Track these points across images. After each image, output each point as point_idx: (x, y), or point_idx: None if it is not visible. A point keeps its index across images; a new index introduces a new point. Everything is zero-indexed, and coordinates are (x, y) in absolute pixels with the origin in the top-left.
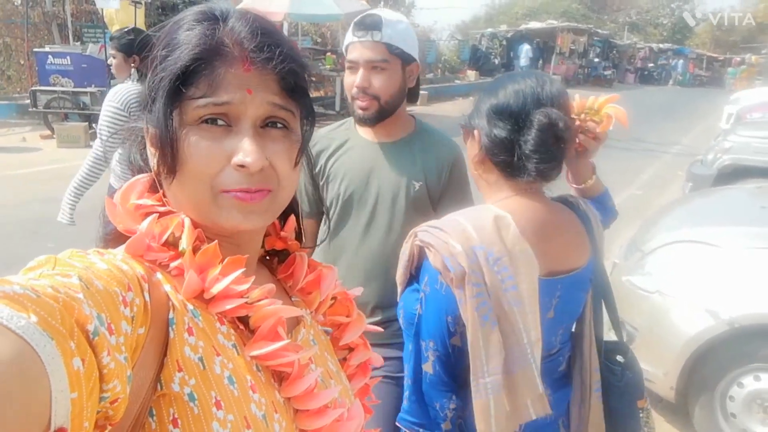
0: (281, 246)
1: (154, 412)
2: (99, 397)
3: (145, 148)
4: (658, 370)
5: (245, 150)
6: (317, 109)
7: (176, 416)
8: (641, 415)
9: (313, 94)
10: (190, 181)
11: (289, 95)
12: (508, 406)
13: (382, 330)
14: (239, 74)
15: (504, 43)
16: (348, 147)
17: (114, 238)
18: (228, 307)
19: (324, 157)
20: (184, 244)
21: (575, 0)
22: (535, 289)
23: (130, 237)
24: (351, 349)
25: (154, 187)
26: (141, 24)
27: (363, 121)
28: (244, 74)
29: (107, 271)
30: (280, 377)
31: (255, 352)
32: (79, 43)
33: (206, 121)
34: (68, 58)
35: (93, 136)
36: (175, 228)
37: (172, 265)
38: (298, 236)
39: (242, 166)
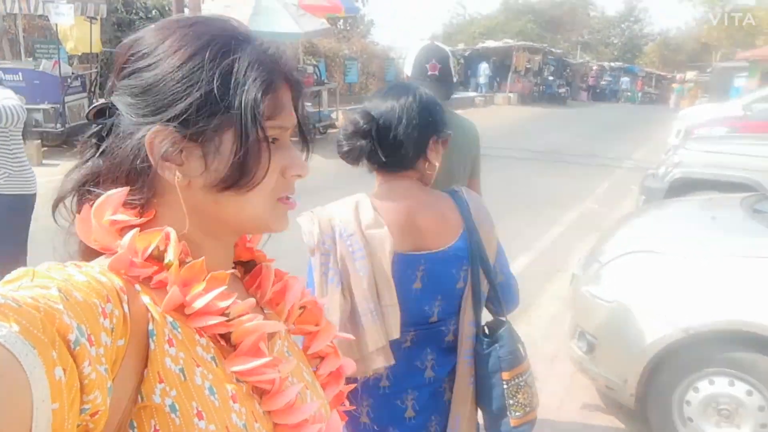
0: (248, 257)
1: (135, 425)
2: (80, 409)
3: (144, 160)
4: (619, 378)
5: (301, 164)
6: None
7: (158, 428)
8: (505, 386)
9: None
10: (259, 194)
11: (297, 108)
12: (356, 354)
13: (353, 338)
14: (286, 93)
15: (461, 61)
16: None
17: (83, 256)
18: (207, 323)
19: None
20: (171, 256)
21: (530, 20)
22: (388, 262)
23: (100, 253)
24: (322, 358)
25: (129, 203)
26: (96, 41)
27: None
28: (287, 92)
29: (86, 283)
30: (260, 390)
31: (236, 368)
32: (31, 59)
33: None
34: (20, 74)
35: (45, 155)
36: (159, 242)
37: (156, 278)
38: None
39: (300, 176)
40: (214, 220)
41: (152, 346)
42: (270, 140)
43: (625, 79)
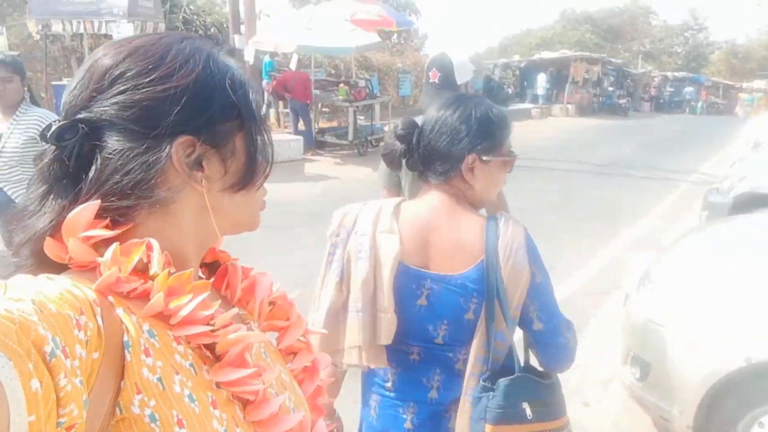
0: (210, 258)
1: None
2: (56, 422)
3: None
4: (672, 407)
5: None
6: (331, 139)
7: None
8: None
9: (327, 124)
10: (257, 193)
11: None
12: (334, 346)
13: (326, 332)
14: None
15: (517, 72)
16: None
17: (36, 269)
18: (193, 332)
19: None
20: (156, 267)
21: (588, 30)
22: (389, 268)
23: (57, 264)
24: (294, 354)
25: (100, 216)
26: None
27: None
28: None
29: (59, 295)
30: (242, 399)
31: (221, 379)
32: None
33: None
34: None
35: None
36: (142, 254)
37: (139, 289)
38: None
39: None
40: (210, 224)
41: (128, 357)
42: None
43: (689, 89)
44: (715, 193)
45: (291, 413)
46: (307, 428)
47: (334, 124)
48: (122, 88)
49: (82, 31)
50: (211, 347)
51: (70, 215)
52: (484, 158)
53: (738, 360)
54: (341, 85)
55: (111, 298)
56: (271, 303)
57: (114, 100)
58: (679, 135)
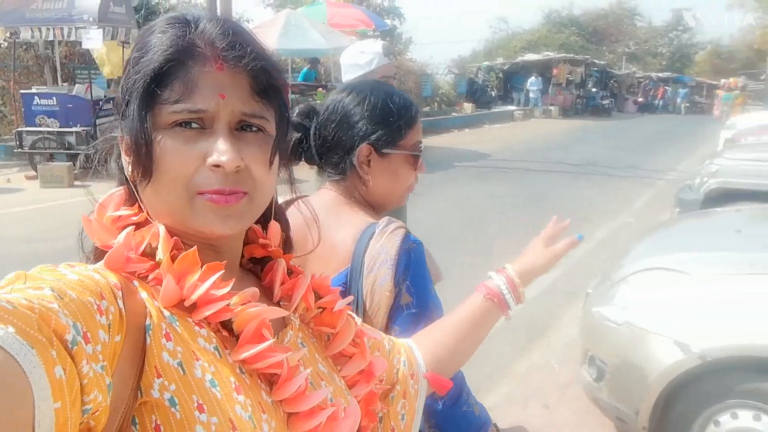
0: (261, 253)
1: (137, 421)
2: (81, 410)
3: (120, 157)
4: (630, 409)
5: (220, 150)
6: None
7: (158, 422)
8: None
9: None
10: (166, 185)
11: (261, 95)
12: None
13: (382, 336)
14: (212, 74)
15: (500, 75)
16: None
17: (96, 256)
18: (209, 312)
19: None
20: (161, 254)
21: (574, 32)
22: None
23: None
24: (349, 358)
25: (129, 200)
26: None
27: None
28: (216, 73)
29: (79, 282)
30: (269, 381)
31: (242, 355)
32: (66, 83)
33: (180, 124)
34: (54, 98)
35: (77, 176)
36: (151, 238)
37: (151, 275)
38: (287, 244)
39: (217, 165)
40: (160, 216)
41: (148, 340)
42: (178, 124)
43: (671, 89)
44: (687, 190)
45: (319, 389)
46: (338, 406)
47: None
48: None
49: (51, 38)
50: (230, 328)
51: (102, 198)
52: (383, 151)
53: (693, 358)
54: (320, 89)
55: (136, 283)
56: (320, 307)
57: None
58: (660, 135)
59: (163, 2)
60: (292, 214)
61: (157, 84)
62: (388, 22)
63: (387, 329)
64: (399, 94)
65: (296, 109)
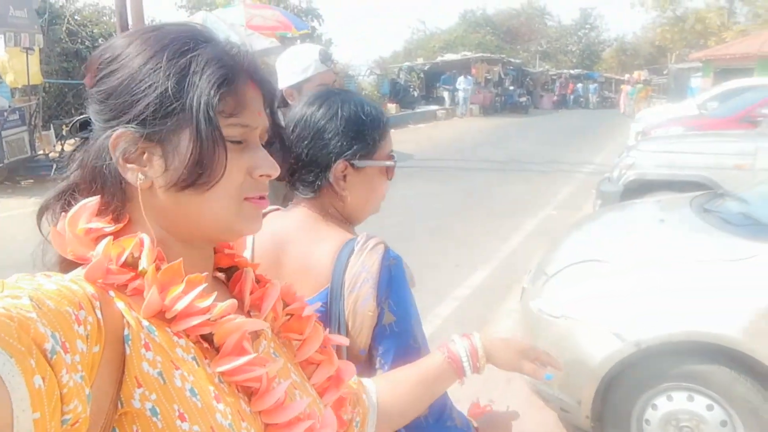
0: (227, 263)
1: (117, 431)
2: (60, 420)
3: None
4: (573, 399)
5: (269, 163)
6: None
7: None
8: None
9: None
10: (221, 193)
11: (270, 112)
12: None
13: (347, 342)
14: (251, 92)
15: (422, 75)
16: None
17: (62, 268)
18: (191, 324)
19: None
20: (145, 263)
21: (489, 32)
22: None
23: (77, 264)
24: (316, 365)
25: (102, 211)
26: (35, 72)
27: None
28: (254, 91)
29: (57, 291)
30: (247, 391)
31: (222, 368)
32: None
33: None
34: None
35: None
36: (133, 248)
37: (131, 285)
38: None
39: (268, 176)
40: (180, 223)
41: (128, 351)
42: (231, 139)
43: (592, 87)
44: (606, 182)
45: (297, 400)
46: (315, 417)
47: None
48: (94, 81)
49: None
50: (210, 339)
51: (72, 209)
52: (357, 164)
53: (628, 346)
54: None
55: (112, 293)
56: (288, 314)
57: (90, 92)
58: (575, 129)
59: (68, 5)
60: (263, 233)
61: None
62: (308, 23)
63: (370, 349)
64: (369, 104)
65: None
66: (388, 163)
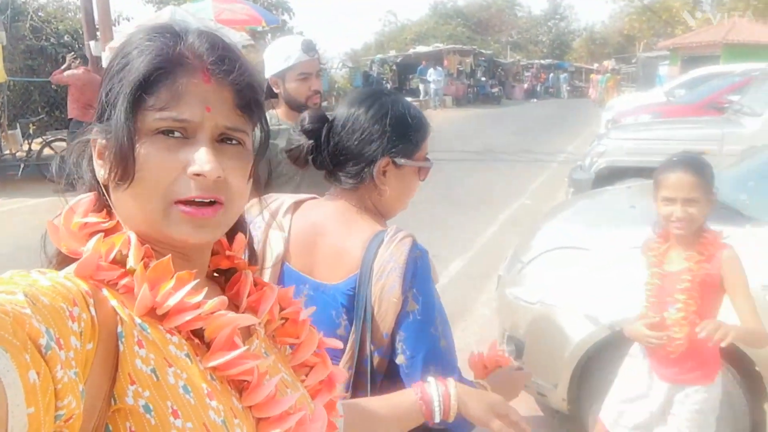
0: (227, 265)
1: (110, 428)
2: (54, 415)
3: (91, 161)
4: (549, 383)
5: (202, 160)
6: None
7: (133, 429)
8: None
9: None
10: (144, 190)
11: (244, 110)
12: None
13: (340, 345)
14: (199, 86)
15: (394, 68)
16: (286, 131)
17: (59, 261)
18: (182, 320)
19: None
20: (132, 261)
21: (460, 23)
22: (273, 263)
23: (75, 259)
24: (310, 368)
25: (98, 206)
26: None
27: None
28: (203, 86)
29: (51, 288)
30: (238, 387)
31: (213, 363)
32: None
33: (163, 132)
34: None
35: None
36: (121, 245)
37: (121, 283)
38: (252, 256)
39: (199, 174)
40: (132, 223)
41: (121, 348)
42: (161, 132)
43: (553, 76)
44: (578, 170)
45: (288, 395)
46: (305, 409)
47: None
48: None
49: None
50: (201, 335)
51: (69, 204)
52: (399, 162)
53: (603, 329)
54: None
55: (105, 291)
56: (284, 318)
57: None
58: (548, 119)
59: (31, 2)
60: (301, 218)
61: (144, 90)
62: (278, 17)
63: (393, 333)
64: (414, 108)
65: (306, 116)
66: (426, 163)
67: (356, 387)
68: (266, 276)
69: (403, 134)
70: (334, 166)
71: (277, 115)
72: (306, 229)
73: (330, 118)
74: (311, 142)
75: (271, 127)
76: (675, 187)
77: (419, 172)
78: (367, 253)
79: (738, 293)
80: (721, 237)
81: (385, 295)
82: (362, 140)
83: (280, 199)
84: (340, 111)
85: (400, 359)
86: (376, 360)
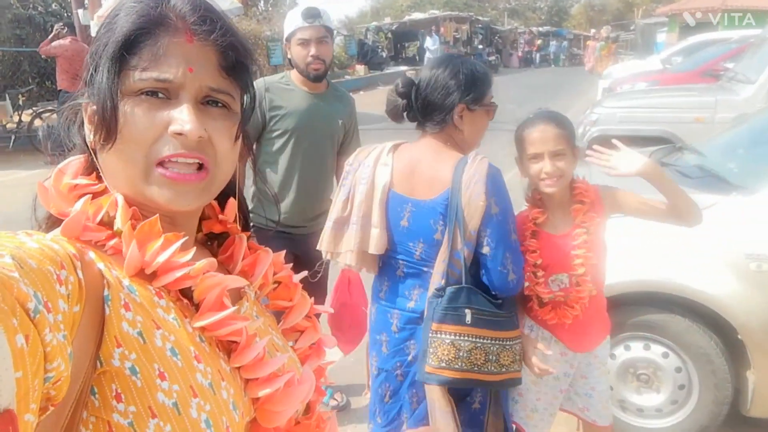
0: (219, 229)
1: (96, 390)
2: (44, 378)
3: (83, 125)
4: None
5: (183, 119)
6: None
7: (119, 391)
8: (430, 335)
9: None
10: (127, 151)
11: (229, 71)
12: (336, 248)
13: (333, 311)
14: (181, 46)
15: (389, 35)
16: (292, 91)
17: (49, 226)
18: (172, 279)
19: (274, 93)
20: (119, 223)
21: None
22: (380, 192)
23: (61, 221)
24: (300, 333)
25: (88, 169)
26: None
27: (316, 79)
28: (186, 46)
29: (39, 250)
30: (227, 349)
31: (202, 322)
32: None
33: (145, 93)
34: None
35: None
36: (109, 207)
37: (109, 244)
38: (245, 222)
39: (180, 134)
40: (117, 186)
41: (107, 311)
42: (144, 92)
43: (553, 43)
44: None
45: (277, 356)
46: (293, 371)
47: None
48: None
49: None
50: (190, 296)
51: (59, 165)
52: (471, 107)
53: None
54: None
55: (91, 254)
56: (276, 282)
57: None
58: (544, 87)
59: None
60: (400, 155)
61: (126, 50)
62: None
63: (479, 231)
64: (479, 65)
65: (399, 82)
66: (492, 106)
67: (449, 275)
68: (377, 199)
69: (473, 86)
70: (423, 117)
71: (289, 76)
72: (405, 162)
73: (416, 82)
74: (404, 101)
75: (280, 85)
76: (540, 141)
77: (488, 113)
78: (455, 172)
79: (633, 197)
80: (587, 180)
81: (473, 200)
82: (443, 94)
83: (383, 144)
84: (424, 73)
85: (485, 250)
86: (465, 252)
